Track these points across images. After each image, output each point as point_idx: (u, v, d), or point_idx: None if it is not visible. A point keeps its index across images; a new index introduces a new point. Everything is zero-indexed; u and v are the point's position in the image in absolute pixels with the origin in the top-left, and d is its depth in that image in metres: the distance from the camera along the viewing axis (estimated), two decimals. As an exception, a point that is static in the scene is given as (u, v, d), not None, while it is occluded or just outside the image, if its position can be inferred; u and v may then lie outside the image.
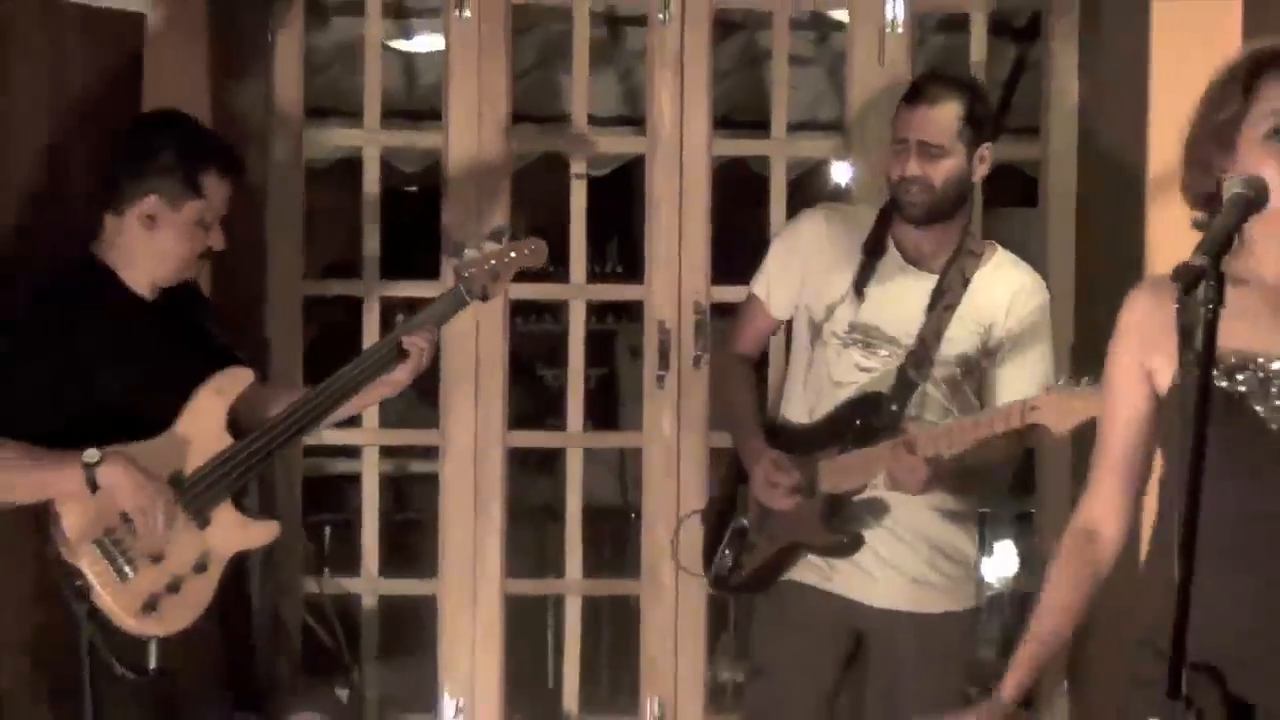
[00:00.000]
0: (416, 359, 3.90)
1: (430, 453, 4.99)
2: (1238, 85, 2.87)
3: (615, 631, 5.54)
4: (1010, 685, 3.09)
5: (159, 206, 3.69)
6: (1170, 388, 2.91)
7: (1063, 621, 3.12)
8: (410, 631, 5.26)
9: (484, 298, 4.05)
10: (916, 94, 4.10)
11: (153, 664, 3.61)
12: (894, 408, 4.09)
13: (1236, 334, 2.79)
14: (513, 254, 4.03)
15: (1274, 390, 2.84)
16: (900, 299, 4.16)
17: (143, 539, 3.57)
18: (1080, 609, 3.11)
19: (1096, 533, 3.07)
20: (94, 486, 3.49)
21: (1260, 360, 2.84)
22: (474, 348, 4.80)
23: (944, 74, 4.29)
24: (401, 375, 3.91)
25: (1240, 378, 2.84)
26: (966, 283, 4.15)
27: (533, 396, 5.45)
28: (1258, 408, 2.82)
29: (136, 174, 3.72)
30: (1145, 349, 2.99)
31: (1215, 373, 2.75)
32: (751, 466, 4.17)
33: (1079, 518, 3.09)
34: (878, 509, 4.14)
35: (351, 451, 4.73)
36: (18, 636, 3.74)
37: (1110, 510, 3.06)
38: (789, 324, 4.40)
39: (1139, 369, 3.01)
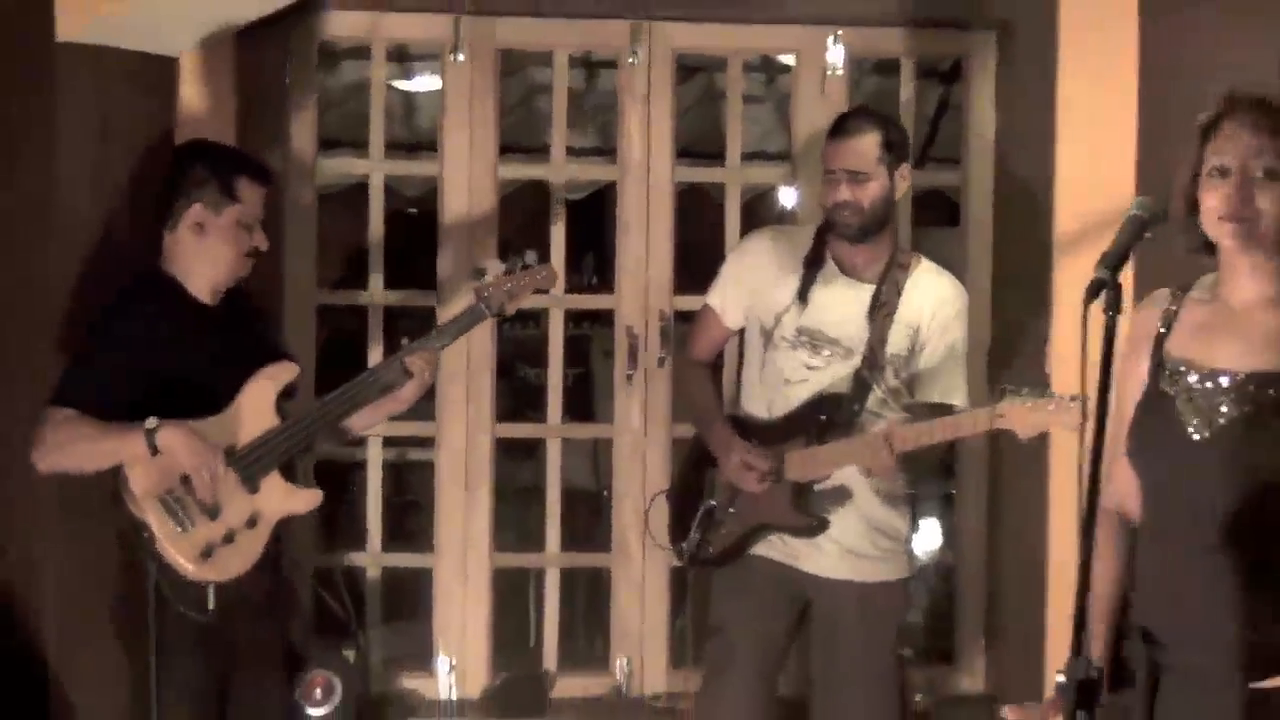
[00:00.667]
0: (419, 378, 3.95)
1: (427, 442, 5.01)
2: (1202, 125, 2.87)
3: (589, 598, 5.52)
4: (1096, 646, 2.99)
5: (204, 214, 3.80)
6: (1139, 396, 2.96)
7: (1117, 584, 3.08)
8: (409, 600, 5.27)
9: (500, 314, 4.12)
10: (839, 130, 4.14)
11: (210, 605, 3.68)
12: (855, 407, 4.16)
13: (1188, 345, 2.89)
14: (527, 279, 4.10)
15: (1194, 394, 2.85)
16: (839, 305, 4.21)
17: (199, 495, 3.65)
18: (1125, 571, 3.07)
19: (1124, 509, 3.06)
20: (154, 449, 3.59)
21: (1195, 369, 2.86)
22: (466, 350, 4.78)
23: (860, 110, 4.34)
24: (408, 393, 3.99)
25: (1171, 385, 2.89)
26: (900, 292, 4.20)
27: (517, 393, 5.50)
28: (1177, 406, 2.87)
29: (181, 192, 3.83)
30: (1140, 358, 3.00)
31: (1166, 375, 2.88)
32: (724, 454, 4.21)
33: (1108, 502, 3.02)
34: (836, 495, 4.19)
35: (358, 441, 4.78)
36: (96, 584, 3.84)
37: (1129, 490, 3.04)
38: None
39: (1137, 376, 3.00)
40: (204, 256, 3.85)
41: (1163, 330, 2.96)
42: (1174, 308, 2.98)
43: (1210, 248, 2.90)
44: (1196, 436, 2.86)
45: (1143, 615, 2.86)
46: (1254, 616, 2.81)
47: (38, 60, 4.10)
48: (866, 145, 4.11)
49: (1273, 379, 2.84)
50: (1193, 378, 2.87)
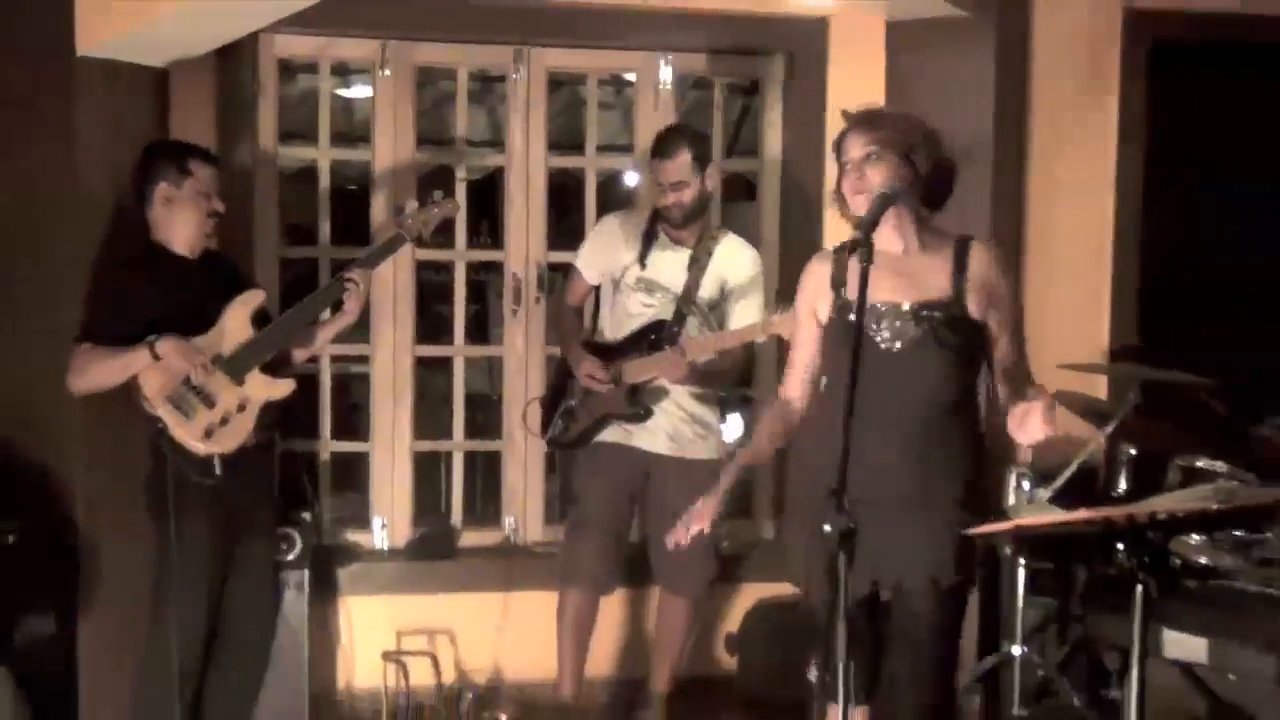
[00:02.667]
0: (355, 291, 3.96)
1: (364, 360, 4.97)
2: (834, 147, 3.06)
3: (485, 473, 5.52)
4: (723, 484, 3.23)
5: (169, 190, 3.82)
6: (828, 320, 3.05)
7: (762, 450, 3.25)
8: (351, 476, 5.25)
9: (418, 240, 4.15)
10: (661, 152, 4.23)
11: (217, 472, 3.71)
12: (675, 330, 4.25)
13: (876, 286, 2.90)
14: (437, 209, 4.11)
15: (883, 323, 2.95)
16: (667, 264, 4.33)
17: (194, 380, 3.67)
18: (772, 445, 3.22)
19: (789, 401, 3.18)
20: (155, 356, 3.61)
21: (879, 303, 2.94)
22: (393, 290, 4.79)
23: (674, 130, 4.36)
24: (351, 305, 3.99)
25: (870, 312, 2.92)
26: (711, 254, 4.31)
27: (432, 323, 5.48)
28: (873, 330, 2.95)
29: (149, 178, 3.84)
30: (814, 296, 3.11)
31: (850, 311, 2.89)
32: (576, 366, 4.32)
33: (781, 393, 3.21)
34: (660, 394, 4.28)
35: (312, 359, 4.75)
36: (125, 470, 3.85)
37: (797, 390, 3.17)
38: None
39: (810, 309, 3.13)
40: (176, 222, 3.86)
41: (838, 278, 3.01)
42: (842, 263, 3.03)
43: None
44: (885, 348, 2.95)
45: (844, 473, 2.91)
46: (926, 473, 2.93)
47: (60, 71, 4.00)
48: (682, 162, 4.22)
49: (934, 305, 2.96)
50: (879, 309, 2.95)
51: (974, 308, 2.97)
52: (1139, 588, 2.43)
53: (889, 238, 2.98)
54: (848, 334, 2.92)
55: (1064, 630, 4.64)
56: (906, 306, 2.96)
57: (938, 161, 3.03)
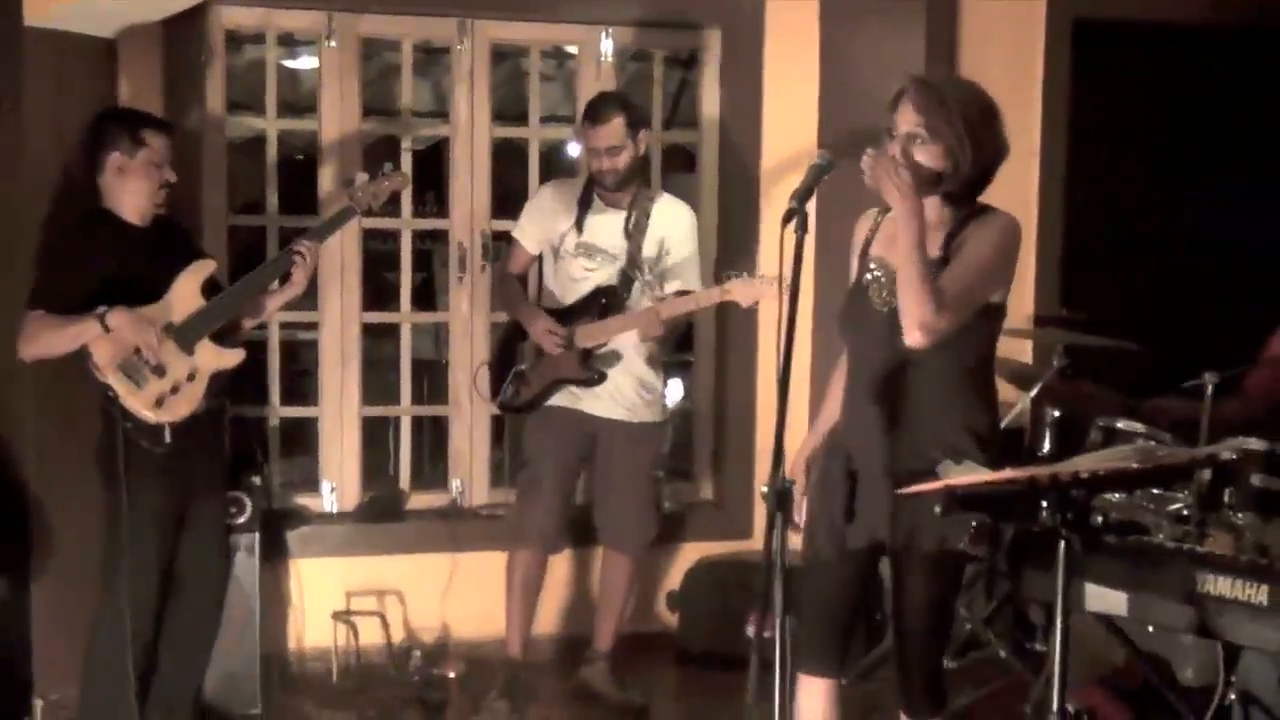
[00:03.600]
0: (302, 263, 3.92)
1: (312, 327, 4.91)
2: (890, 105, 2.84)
3: (433, 438, 5.54)
4: (808, 448, 3.10)
5: (122, 159, 3.75)
6: (851, 284, 2.96)
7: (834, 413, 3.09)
8: (300, 440, 5.24)
9: (368, 212, 4.11)
10: (593, 117, 4.20)
11: (167, 440, 3.67)
12: (623, 294, 4.25)
13: (885, 246, 2.89)
14: (387, 182, 4.06)
15: (882, 283, 2.86)
16: (604, 227, 4.32)
17: (146, 356, 3.62)
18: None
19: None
20: (106, 328, 3.55)
21: (886, 263, 2.86)
22: (340, 258, 4.73)
23: (605, 97, 4.32)
24: (299, 276, 3.94)
25: (870, 275, 2.90)
26: (648, 216, 4.29)
27: (379, 291, 5.44)
28: (869, 290, 2.90)
29: (102, 145, 3.76)
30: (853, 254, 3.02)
31: (870, 270, 2.88)
32: (533, 325, 4.26)
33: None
34: (611, 358, 4.27)
35: (261, 326, 4.71)
36: (77, 435, 3.78)
37: None
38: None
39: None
40: (128, 190, 3.79)
41: (869, 238, 2.99)
42: (877, 222, 2.99)
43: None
44: (878, 309, 2.89)
45: (845, 438, 2.91)
46: (917, 438, 2.86)
47: (9, 40, 3.91)
48: (615, 127, 4.19)
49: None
50: (881, 271, 2.89)
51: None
52: (1062, 544, 2.45)
53: (929, 205, 2.84)
54: (854, 294, 2.94)
55: (991, 586, 4.70)
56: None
57: (985, 154, 2.83)
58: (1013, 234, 2.88)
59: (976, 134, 2.80)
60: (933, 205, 2.85)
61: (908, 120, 2.81)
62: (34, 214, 3.94)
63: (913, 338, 2.72)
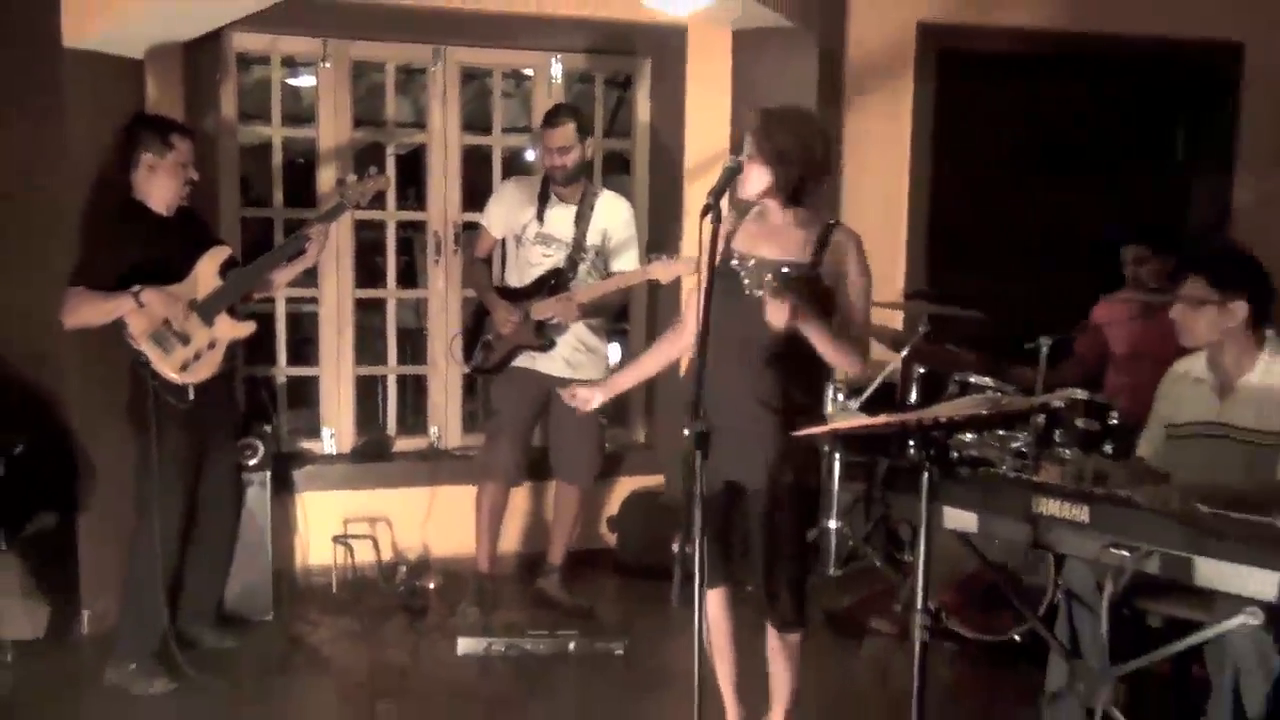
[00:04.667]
0: (316, 242, 3.88)
1: (313, 301, 4.82)
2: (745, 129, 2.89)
3: (415, 393, 5.49)
4: (612, 386, 3.14)
5: (153, 159, 3.69)
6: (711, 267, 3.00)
7: (651, 366, 3.15)
8: (304, 395, 5.15)
9: (357, 206, 4.06)
10: (550, 122, 4.17)
11: (190, 398, 3.62)
12: (569, 276, 4.22)
13: (745, 242, 2.94)
14: (371, 183, 4.00)
15: (749, 271, 2.86)
16: (559, 219, 4.26)
17: (173, 328, 3.57)
18: (661, 363, 3.13)
19: (685, 325, 3.11)
20: (140, 304, 3.51)
21: (750, 255, 2.90)
22: (336, 245, 4.61)
23: (561, 106, 4.28)
24: (312, 252, 3.91)
25: (736, 262, 2.89)
26: (593, 209, 4.26)
27: (369, 271, 5.38)
28: (741, 277, 2.88)
29: (135, 147, 3.70)
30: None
31: (733, 259, 2.89)
32: (495, 310, 4.25)
33: (681, 321, 3.11)
34: (561, 328, 4.25)
35: (270, 300, 4.66)
36: (115, 391, 3.72)
37: (691, 320, 3.03)
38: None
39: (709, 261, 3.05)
40: (157, 186, 3.72)
41: (731, 234, 2.99)
42: (736, 225, 3.01)
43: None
44: (749, 293, 2.89)
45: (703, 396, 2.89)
46: (770, 394, 2.90)
47: (51, 60, 3.84)
48: (567, 131, 4.17)
49: (792, 264, 2.92)
50: (750, 262, 2.90)
51: (825, 274, 2.94)
52: (925, 475, 2.47)
53: (773, 210, 2.94)
54: (721, 280, 2.91)
55: (869, 509, 4.76)
56: (771, 261, 2.92)
57: (809, 170, 2.90)
58: (863, 246, 2.98)
59: (796, 151, 2.85)
60: (775, 208, 2.94)
61: (748, 143, 2.89)
62: (75, 205, 3.87)
63: (855, 370, 2.97)
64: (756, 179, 2.88)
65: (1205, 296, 3.03)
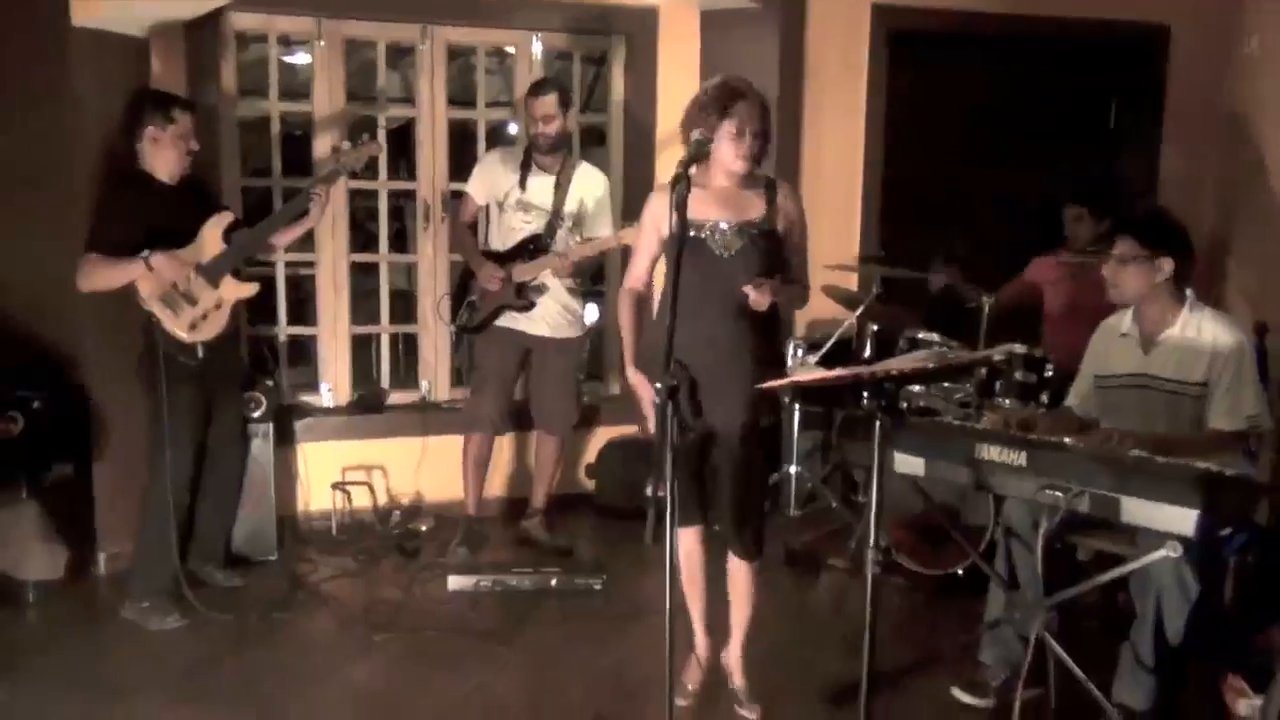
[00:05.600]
0: (318, 204, 3.83)
1: (311, 265, 4.76)
2: (718, 105, 2.84)
3: (406, 349, 5.47)
4: (629, 360, 3.03)
5: (155, 131, 3.62)
6: (668, 234, 2.88)
7: (633, 321, 3.07)
8: (303, 353, 5.12)
9: (351, 172, 4.02)
10: (537, 92, 4.12)
11: (199, 356, 3.60)
12: (548, 240, 4.17)
13: (700, 210, 2.89)
14: (365, 149, 3.96)
15: (715, 236, 2.87)
16: (539, 188, 4.21)
17: (181, 290, 3.54)
18: (638, 325, 3.07)
19: (638, 290, 3.08)
20: (149, 268, 3.47)
21: (709, 222, 2.89)
22: (332, 211, 4.55)
23: (547, 79, 4.24)
24: (315, 212, 3.86)
25: (702, 231, 2.88)
26: (571, 179, 4.21)
27: (363, 237, 5.34)
28: (707, 243, 2.89)
29: (140, 120, 3.63)
30: (656, 218, 2.96)
31: (692, 228, 2.88)
32: (480, 270, 4.20)
33: (627, 284, 3.08)
34: (540, 289, 4.21)
35: (271, 265, 4.62)
36: (126, 350, 3.67)
37: (641, 280, 3.07)
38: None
39: (654, 226, 2.98)
40: (161, 157, 3.65)
41: (683, 202, 2.97)
42: (683, 193, 3.00)
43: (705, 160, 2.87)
44: (719, 254, 2.89)
45: (681, 354, 2.77)
46: (740, 346, 2.89)
47: (60, 37, 3.77)
48: (552, 101, 4.11)
49: (753, 224, 2.91)
50: (709, 227, 2.87)
51: (779, 226, 2.95)
52: (878, 423, 2.49)
53: (721, 178, 2.92)
54: (691, 246, 2.88)
55: (826, 454, 4.80)
56: (735, 225, 2.91)
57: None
58: (799, 193, 3.01)
59: (767, 125, 2.89)
60: (723, 176, 2.92)
61: (756, 119, 2.85)
62: (84, 175, 3.81)
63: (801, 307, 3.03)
64: (751, 148, 2.86)
65: (1135, 254, 3.05)
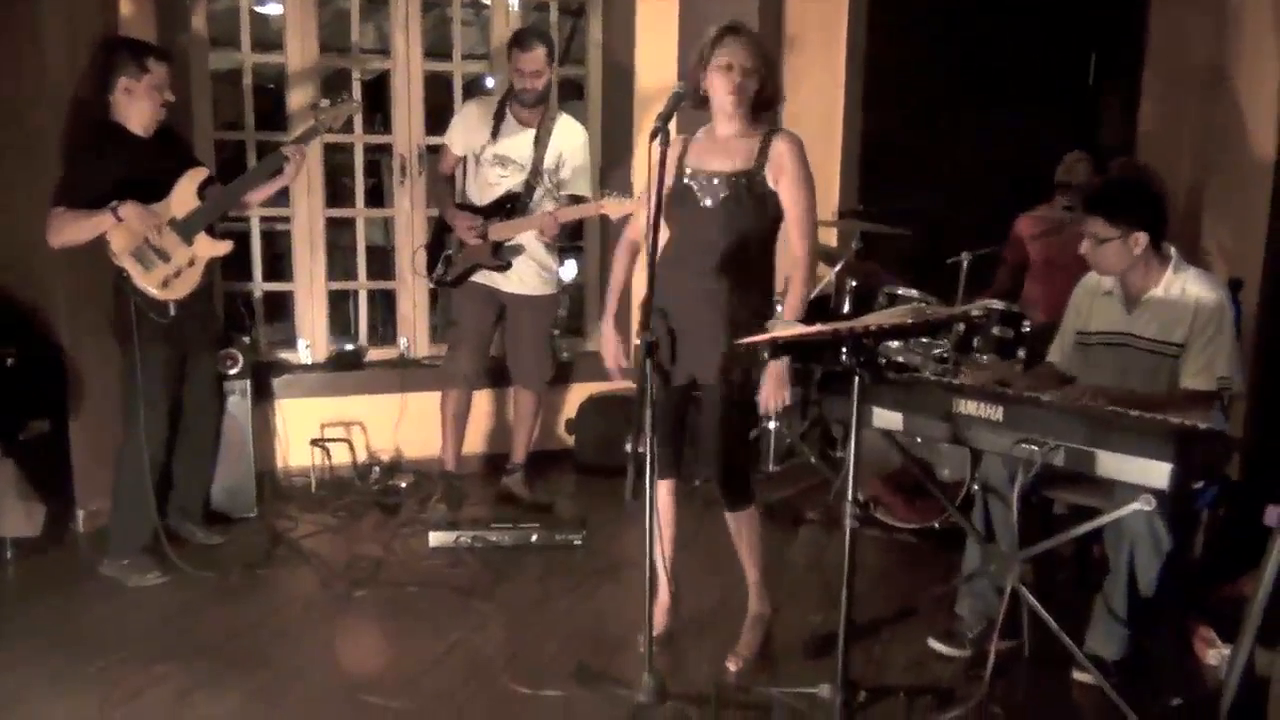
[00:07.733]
0: (294, 161, 3.76)
1: (286, 220, 4.69)
2: (712, 41, 2.82)
3: (385, 307, 5.44)
4: (610, 307, 3.05)
5: (129, 82, 3.53)
6: (671, 188, 2.90)
7: (621, 276, 3.09)
8: (280, 309, 5.09)
9: (330, 129, 3.95)
10: (524, 44, 4.03)
11: (171, 313, 3.54)
12: (526, 199, 4.13)
13: (700, 159, 2.89)
14: (344, 107, 3.90)
15: (702, 186, 2.86)
16: (515, 141, 4.16)
17: (151, 242, 3.47)
18: (628, 273, 3.08)
19: (635, 240, 3.06)
20: (118, 219, 3.40)
21: (702, 172, 2.88)
22: (307, 166, 4.43)
23: (533, 29, 4.16)
24: (290, 171, 3.79)
25: (690, 180, 2.88)
26: (550, 133, 4.16)
27: (339, 192, 5.27)
28: (695, 191, 2.88)
29: (112, 70, 3.54)
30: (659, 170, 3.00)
31: (686, 176, 2.88)
32: (456, 221, 4.16)
33: (627, 235, 3.07)
34: (517, 249, 4.18)
35: (246, 220, 4.56)
36: (100, 306, 3.63)
37: (638, 232, 3.03)
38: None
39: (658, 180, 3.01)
40: (134, 108, 3.56)
41: (684, 152, 2.96)
42: (687, 145, 2.97)
43: (704, 103, 2.89)
44: (702, 205, 2.88)
45: (662, 302, 2.79)
46: (725, 299, 2.88)
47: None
48: (541, 55, 4.06)
49: (740, 174, 2.88)
50: (702, 176, 2.88)
51: (768, 175, 2.89)
52: (856, 379, 2.49)
53: (724, 124, 2.91)
54: (679, 195, 2.89)
55: (805, 410, 4.81)
56: (724, 175, 2.88)
57: (775, 81, 2.92)
58: (803, 149, 2.91)
59: (772, 70, 2.88)
60: (726, 123, 2.90)
61: (743, 56, 2.82)
62: (55, 128, 3.72)
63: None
64: (740, 85, 2.83)
65: (1107, 234, 3.03)
